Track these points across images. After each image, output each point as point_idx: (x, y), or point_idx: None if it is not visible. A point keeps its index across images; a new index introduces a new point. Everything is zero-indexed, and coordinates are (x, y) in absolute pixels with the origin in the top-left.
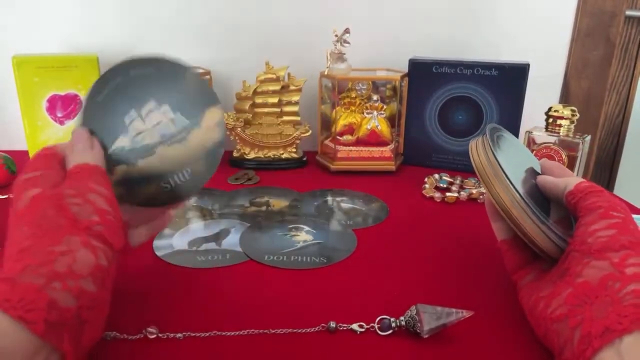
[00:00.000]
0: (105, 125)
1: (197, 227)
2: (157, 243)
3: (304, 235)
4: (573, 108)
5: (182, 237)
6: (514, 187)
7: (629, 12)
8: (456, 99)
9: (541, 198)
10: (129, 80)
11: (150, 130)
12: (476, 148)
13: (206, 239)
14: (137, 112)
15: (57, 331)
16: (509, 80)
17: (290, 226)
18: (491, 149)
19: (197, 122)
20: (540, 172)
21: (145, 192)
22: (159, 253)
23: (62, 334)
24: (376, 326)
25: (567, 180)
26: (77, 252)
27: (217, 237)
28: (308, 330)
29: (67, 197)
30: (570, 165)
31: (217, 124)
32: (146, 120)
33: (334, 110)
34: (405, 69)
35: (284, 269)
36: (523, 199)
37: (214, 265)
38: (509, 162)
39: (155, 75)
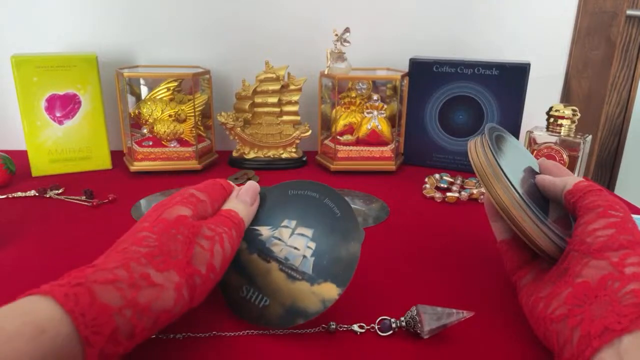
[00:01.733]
0: (272, 209)
1: None
2: None
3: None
4: (574, 108)
5: None
6: (513, 186)
7: (629, 12)
8: (457, 98)
9: (540, 198)
10: (319, 203)
11: (286, 246)
12: (475, 148)
13: None
14: (294, 226)
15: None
16: (510, 80)
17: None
18: (490, 149)
19: (314, 281)
20: (538, 171)
21: (228, 277)
22: None
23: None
24: (376, 327)
25: (565, 179)
26: (165, 292)
27: None
28: (308, 331)
29: (200, 236)
30: (571, 165)
31: (324, 299)
32: (292, 237)
33: (334, 110)
34: (406, 69)
35: None
36: (522, 198)
37: None
38: (508, 161)
39: (336, 219)
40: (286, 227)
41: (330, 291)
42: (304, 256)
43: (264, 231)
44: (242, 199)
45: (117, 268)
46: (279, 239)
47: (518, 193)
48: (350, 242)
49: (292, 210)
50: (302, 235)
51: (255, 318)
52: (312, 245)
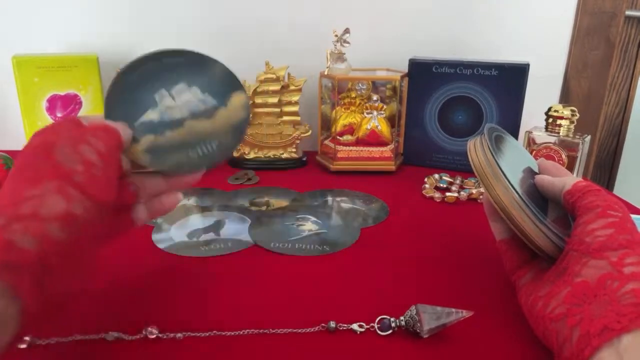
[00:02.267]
0: (134, 100)
1: (193, 220)
2: (155, 237)
3: (309, 225)
4: (573, 108)
5: (180, 229)
6: (512, 187)
7: (628, 12)
8: (456, 98)
9: (539, 198)
10: (161, 65)
11: (180, 106)
12: (474, 148)
13: (205, 230)
14: (167, 91)
15: (14, 273)
16: (509, 80)
17: (298, 216)
18: (489, 149)
19: (224, 102)
20: (538, 172)
21: (174, 159)
22: (160, 246)
23: (20, 277)
24: (376, 326)
25: (564, 179)
26: (47, 197)
27: (215, 227)
28: (308, 330)
29: (59, 145)
30: (570, 166)
31: (242, 105)
32: (176, 99)
33: (334, 110)
34: (405, 69)
35: (287, 255)
36: (522, 198)
37: (217, 254)
38: (507, 162)
39: (186, 63)
40: (163, 97)
41: (239, 98)
42: (199, 99)
43: (151, 115)
44: (97, 117)
45: None
46: (170, 107)
47: (517, 193)
48: (210, 65)
49: (149, 87)
50: (181, 91)
51: (221, 156)
52: (194, 89)
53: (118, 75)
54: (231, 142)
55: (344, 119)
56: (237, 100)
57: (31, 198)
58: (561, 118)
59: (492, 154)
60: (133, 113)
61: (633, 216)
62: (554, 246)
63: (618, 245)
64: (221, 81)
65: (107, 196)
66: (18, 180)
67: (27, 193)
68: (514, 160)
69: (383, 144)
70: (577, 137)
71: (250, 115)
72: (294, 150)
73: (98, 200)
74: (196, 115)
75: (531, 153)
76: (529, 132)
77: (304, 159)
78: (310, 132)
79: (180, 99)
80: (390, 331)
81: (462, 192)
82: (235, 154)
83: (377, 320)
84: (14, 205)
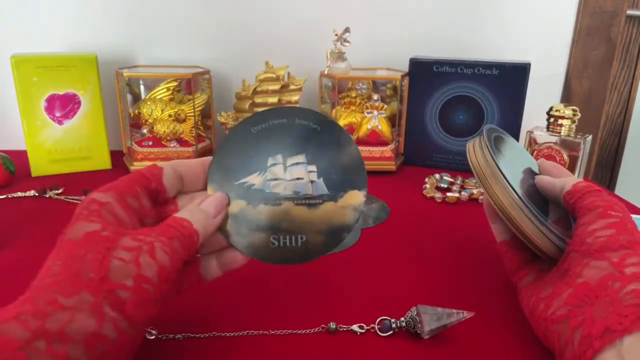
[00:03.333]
0: (246, 156)
1: None
2: None
3: None
4: (574, 108)
5: None
6: (512, 188)
7: (630, 12)
8: (457, 98)
9: (539, 198)
10: (292, 126)
11: (287, 181)
12: (473, 149)
13: None
14: (283, 158)
15: None
16: (510, 80)
17: None
18: (489, 150)
19: (336, 196)
20: (538, 172)
21: (253, 238)
22: None
23: None
24: (376, 327)
25: (564, 180)
26: (79, 313)
27: None
28: (308, 331)
29: (119, 248)
30: (572, 165)
31: (355, 207)
32: (287, 171)
33: (334, 110)
34: (406, 69)
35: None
36: (521, 199)
37: None
38: (507, 162)
39: (318, 134)
40: (274, 164)
41: (356, 197)
42: (312, 181)
43: (254, 179)
44: (205, 208)
45: (21, 304)
46: (276, 179)
47: (517, 194)
48: (345, 146)
49: (269, 146)
50: (297, 164)
51: (302, 257)
52: (313, 167)
53: (247, 119)
54: (320, 245)
55: (344, 118)
56: (352, 198)
57: (62, 309)
58: (562, 118)
59: (491, 154)
60: (240, 169)
61: (634, 216)
62: (555, 247)
63: (619, 246)
64: (346, 169)
65: (150, 315)
66: (57, 279)
67: (62, 301)
68: (514, 161)
69: (383, 143)
70: (578, 136)
71: (358, 219)
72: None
73: (137, 320)
74: (299, 199)
75: (532, 153)
76: (530, 132)
77: None
78: None
79: (292, 173)
80: (390, 332)
81: (463, 192)
82: None
83: (377, 321)
84: (41, 317)
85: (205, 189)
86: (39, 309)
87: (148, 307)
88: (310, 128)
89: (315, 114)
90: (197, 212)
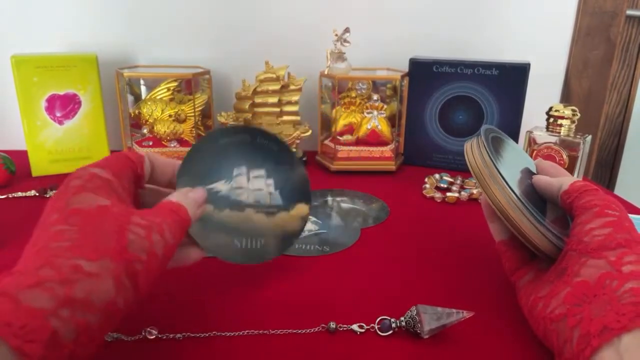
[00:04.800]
0: (214, 164)
1: None
2: None
3: (309, 225)
4: (574, 108)
5: None
6: (510, 187)
7: (629, 12)
8: (457, 98)
9: (537, 198)
10: (255, 144)
11: (250, 191)
12: (471, 149)
13: None
14: (247, 170)
15: None
16: (510, 80)
17: None
18: (486, 150)
19: (288, 207)
20: (536, 172)
21: (216, 240)
22: None
23: None
24: (376, 327)
25: (561, 179)
26: (102, 280)
27: None
28: (308, 331)
29: (133, 224)
30: (571, 165)
31: (302, 217)
32: (250, 182)
33: (334, 110)
34: (406, 69)
35: (286, 255)
36: (519, 199)
37: None
38: (505, 162)
39: (275, 153)
40: (240, 175)
41: (303, 209)
42: (270, 193)
43: (221, 186)
44: (194, 197)
45: (41, 268)
46: (240, 188)
47: (515, 194)
48: (295, 167)
49: (235, 158)
50: (258, 177)
51: (260, 257)
52: (270, 182)
53: (215, 132)
54: (275, 247)
55: (344, 118)
56: (300, 210)
57: (88, 276)
58: (562, 118)
59: (488, 155)
60: (207, 175)
61: (632, 216)
62: (553, 246)
63: (616, 245)
64: (295, 186)
65: (148, 290)
66: (78, 243)
67: (85, 266)
68: (512, 161)
69: (383, 143)
70: (578, 136)
71: (304, 227)
72: (294, 150)
73: (142, 293)
74: (259, 207)
75: (532, 153)
76: (530, 132)
77: (304, 158)
78: (310, 132)
79: (254, 184)
80: (390, 332)
81: (462, 192)
82: None
83: (377, 321)
84: (68, 284)
85: (167, 187)
86: (65, 276)
87: (151, 283)
88: (270, 148)
89: (274, 137)
90: (187, 199)
